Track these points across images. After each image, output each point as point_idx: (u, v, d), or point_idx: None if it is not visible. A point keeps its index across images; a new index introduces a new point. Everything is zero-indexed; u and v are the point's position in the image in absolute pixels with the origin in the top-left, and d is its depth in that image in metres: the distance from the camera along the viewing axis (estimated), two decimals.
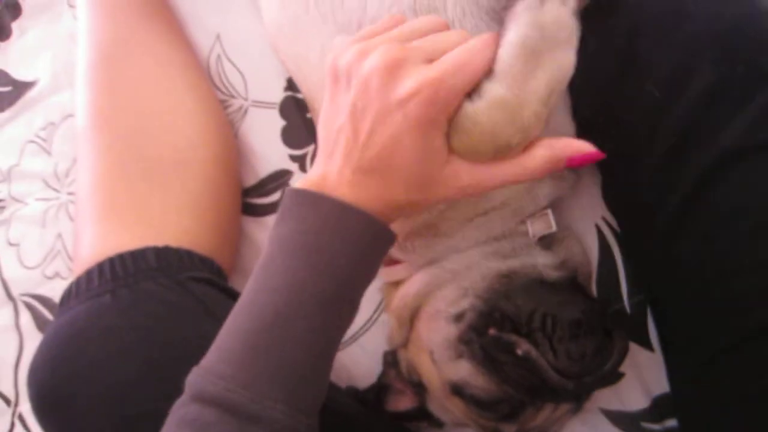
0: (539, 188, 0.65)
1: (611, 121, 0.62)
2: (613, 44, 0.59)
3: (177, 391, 0.48)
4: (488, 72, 0.48)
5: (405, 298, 0.65)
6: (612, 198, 0.70)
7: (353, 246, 0.49)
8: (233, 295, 0.67)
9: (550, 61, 0.47)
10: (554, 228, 0.66)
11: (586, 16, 0.61)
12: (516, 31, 0.47)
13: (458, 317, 0.60)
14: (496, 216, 0.64)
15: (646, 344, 0.70)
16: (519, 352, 0.55)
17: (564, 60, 0.48)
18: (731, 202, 0.53)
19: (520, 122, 0.47)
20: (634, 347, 0.70)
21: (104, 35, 0.79)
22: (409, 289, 0.65)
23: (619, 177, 0.65)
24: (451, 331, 0.60)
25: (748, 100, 0.52)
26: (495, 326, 0.57)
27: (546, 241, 0.66)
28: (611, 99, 0.61)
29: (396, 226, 0.54)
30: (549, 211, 0.66)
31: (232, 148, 0.82)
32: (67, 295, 0.66)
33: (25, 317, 0.90)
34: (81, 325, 0.61)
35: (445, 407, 0.66)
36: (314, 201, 0.49)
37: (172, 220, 0.69)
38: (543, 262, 0.64)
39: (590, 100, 0.64)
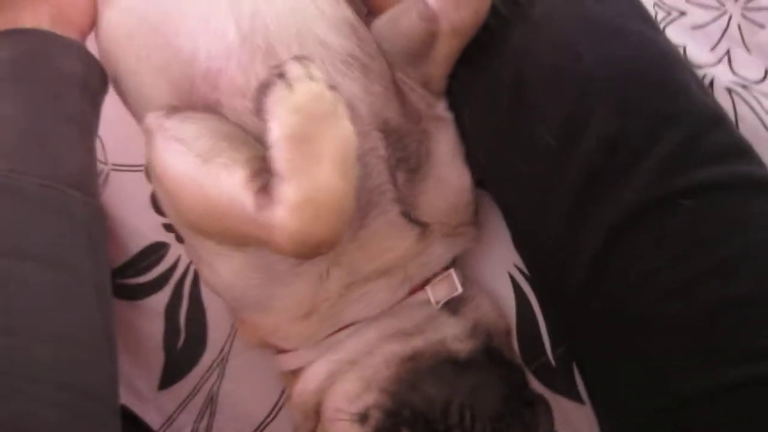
0: (428, 252, 0.58)
1: (508, 169, 0.57)
2: (500, 87, 0.55)
3: None
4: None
5: (303, 395, 0.57)
6: (522, 250, 0.64)
7: None
8: None
9: (325, 138, 0.45)
10: (459, 290, 0.59)
11: (471, 55, 0.57)
12: (277, 125, 0.45)
13: (363, 418, 0.52)
14: (379, 287, 0.57)
15: (576, 397, 0.65)
16: None
17: (340, 130, 0.46)
18: (640, 261, 0.49)
19: (323, 219, 0.45)
20: (563, 402, 0.65)
21: None
22: (307, 385, 0.57)
23: (525, 230, 0.60)
24: None
25: (650, 149, 0.48)
26: (406, 427, 0.50)
27: (452, 304, 0.60)
28: (504, 146, 0.56)
29: (272, 315, 0.56)
30: (452, 271, 0.60)
31: None
32: None
33: None
34: None
35: None
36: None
37: None
38: (452, 333, 0.57)
39: (483, 146, 0.59)
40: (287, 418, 0.69)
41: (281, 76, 0.45)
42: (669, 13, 0.66)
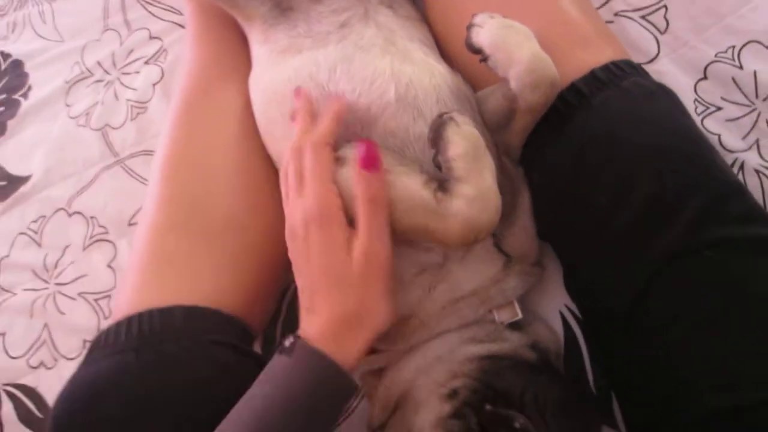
0: (507, 281, 0.67)
1: (565, 223, 0.66)
2: (564, 157, 0.65)
3: None
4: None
5: (395, 383, 0.64)
6: (573, 291, 0.72)
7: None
8: (256, 359, 0.67)
9: (484, 159, 0.59)
10: (520, 315, 0.67)
11: (542, 131, 0.67)
12: (456, 145, 0.59)
13: (451, 395, 0.59)
14: (465, 304, 0.66)
15: (614, 426, 0.69)
16: (516, 425, 0.55)
17: (489, 157, 0.60)
18: (675, 300, 0.56)
19: (489, 210, 0.58)
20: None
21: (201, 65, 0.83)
22: (400, 375, 0.64)
23: (579, 273, 0.68)
24: (444, 408, 0.59)
25: (682, 208, 0.57)
26: (489, 403, 0.57)
27: (515, 325, 0.67)
28: (564, 204, 0.65)
29: None
30: (514, 300, 0.68)
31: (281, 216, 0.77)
32: (96, 343, 0.65)
33: (7, 407, 0.85)
34: (103, 384, 0.60)
35: None
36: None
37: (209, 279, 0.68)
38: (518, 343, 0.65)
39: (546, 204, 0.68)
40: (357, 420, 0.74)
41: (452, 119, 0.60)
42: (707, 108, 0.75)
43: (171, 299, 0.65)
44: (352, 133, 0.67)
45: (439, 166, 0.61)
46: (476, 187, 0.58)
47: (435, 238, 0.60)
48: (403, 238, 0.62)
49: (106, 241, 0.92)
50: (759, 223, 0.58)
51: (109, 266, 0.90)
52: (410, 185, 0.60)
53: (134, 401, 0.59)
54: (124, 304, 0.67)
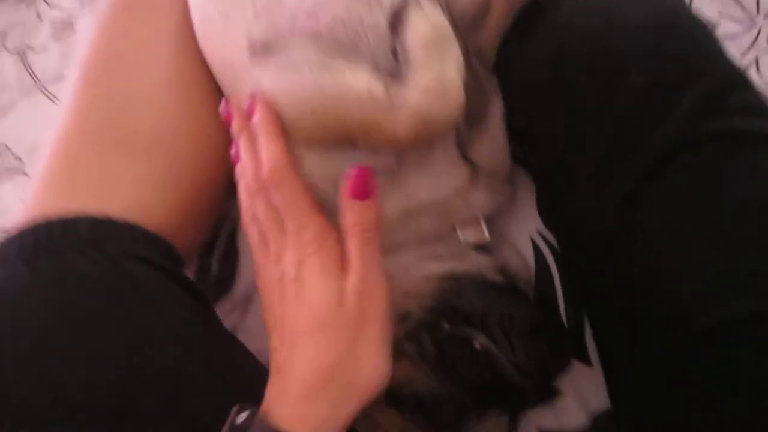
0: (473, 194, 0.58)
1: (547, 128, 0.56)
2: (545, 52, 0.55)
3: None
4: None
5: None
6: (548, 210, 0.64)
7: None
8: (179, 280, 0.55)
9: (450, 48, 0.50)
10: (487, 237, 0.58)
11: (520, 26, 0.58)
12: (418, 29, 0.50)
13: (403, 317, 0.50)
14: (427, 216, 0.56)
15: (584, 359, 0.62)
16: (477, 345, 0.46)
17: (457, 47, 0.51)
18: (670, 202, 0.47)
19: (448, 102, 0.49)
20: (572, 363, 0.61)
21: None
22: None
23: (554, 186, 0.58)
24: (396, 331, 0.50)
25: (680, 97, 0.48)
26: (447, 321, 0.48)
27: (482, 248, 0.59)
28: (545, 105, 0.56)
29: None
30: (480, 217, 0.59)
31: (218, 129, 0.65)
32: None
33: None
34: None
35: (376, 425, 0.54)
36: None
37: (127, 191, 0.56)
38: (484, 264, 0.56)
39: (524, 107, 0.59)
40: None
41: (417, 2, 0.51)
42: None
43: (76, 209, 0.53)
44: (300, 30, 0.57)
45: (397, 56, 0.52)
46: (435, 75, 0.49)
47: (382, 135, 0.50)
48: (345, 140, 0.52)
49: (22, 173, 0.81)
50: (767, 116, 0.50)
51: (23, 201, 0.79)
52: (353, 80, 0.49)
53: (25, 317, 0.46)
54: (20, 219, 0.55)
